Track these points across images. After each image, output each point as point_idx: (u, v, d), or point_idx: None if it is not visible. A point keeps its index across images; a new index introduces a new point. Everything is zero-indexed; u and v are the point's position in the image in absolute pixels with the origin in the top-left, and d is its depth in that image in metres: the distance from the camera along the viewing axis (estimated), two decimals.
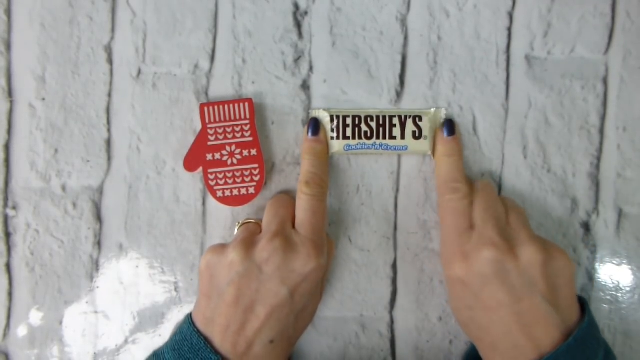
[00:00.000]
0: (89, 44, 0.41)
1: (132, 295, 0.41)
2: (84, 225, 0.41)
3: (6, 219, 0.41)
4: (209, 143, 0.39)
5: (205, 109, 0.39)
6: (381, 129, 0.40)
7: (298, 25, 0.41)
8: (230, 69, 0.41)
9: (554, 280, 0.34)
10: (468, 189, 0.38)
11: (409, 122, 0.40)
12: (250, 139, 0.39)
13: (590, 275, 0.42)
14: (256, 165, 0.39)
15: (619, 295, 0.42)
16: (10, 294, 0.41)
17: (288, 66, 0.41)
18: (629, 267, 0.42)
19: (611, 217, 0.42)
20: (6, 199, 0.41)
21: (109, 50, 0.41)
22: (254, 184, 0.39)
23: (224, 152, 0.39)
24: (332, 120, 0.40)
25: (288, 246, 0.35)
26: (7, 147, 0.41)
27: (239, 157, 0.39)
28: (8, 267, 0.41)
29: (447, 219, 0.37)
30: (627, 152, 0.42)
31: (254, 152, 0.39)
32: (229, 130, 0.39)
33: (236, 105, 0.39)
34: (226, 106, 0.39)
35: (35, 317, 0.41)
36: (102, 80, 0.41)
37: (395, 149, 0.40)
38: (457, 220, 0.37)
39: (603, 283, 0.42)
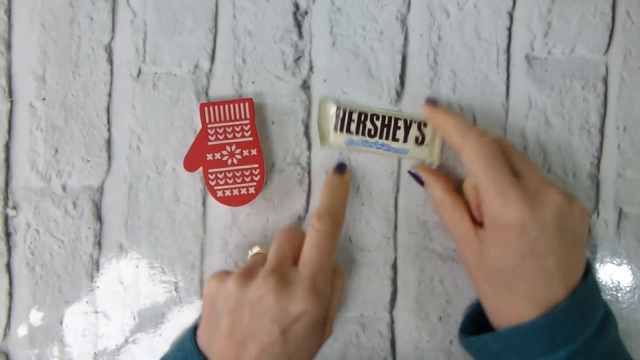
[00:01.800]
0: (89, 44, 0.41)
1: (132, 295, 0.41)
2: (84, 225, 0.41)
3: (6, 219, 0.41)
4: (209, 143, 0.39)
5: (205, 108, 0.39)
6: (385, 129, 0.40)
7: (298, 25, 0.41)
8: (230, 69, 0.41)
9: (587, 238, 0.37)
10: None
11: (414, 127, 0.40)
12: (250, 139, 0.39)
13: None
14: (256, 165, 0.39)
15: (619, 295, 0.42)
16: (10, 294, 0.41)
17: (288, 66, 0.41)
18: (629, 267, 0.42)
19: (611, 217, 0.42)
20: (6, 199, 0.41)
21: (109, 50, 0.41)
22: (254, 184, 0.39)
23: (224, 152, 0.39)
24: (337, 114, 0.40)
25: (282, 285, 0.34)
26: (7, 147, 0.41)
27: (239, 157, 0.39)
28: (8, 267, 0.41)
29: (487, 161, 0.35)
30: (627, 151, 0.42)
31: (254, 152, 0.39)
32: (229, 130, 0.39)
33: (236, 105, 0.39)
34: (226, 106, 0.39)
35: (35, 317, 0.41)
36: (102, 80, 0.41)
37: (396, 151, 0.40)
38: (500, 161, 0.35)
39: (603, 283, 0.42)
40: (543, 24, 0.41)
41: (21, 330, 0.41)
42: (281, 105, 0.41)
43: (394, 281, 0.42)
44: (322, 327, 0.36)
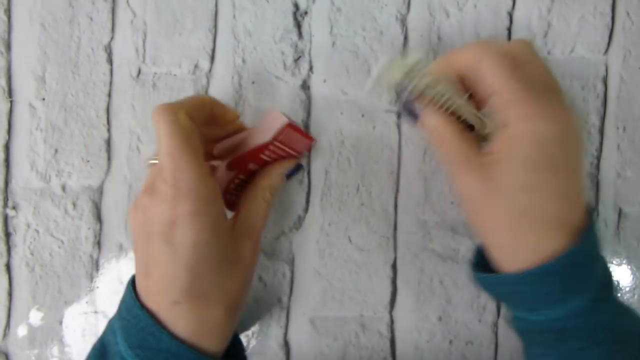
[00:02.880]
0: (89, 44, 0.41)
1: None
2: (84, 225, 0.41)
3: (6, 219, 0.41)
4: (262, 156, 0.37)
5: (287, 129, 0.36)
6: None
7: (298, 25, 0.41)
8: (230, 69, 0.41)
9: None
10: None
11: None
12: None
13: None
14: None
15: (619, 295, 0.42)
16: (10, 294, 0.41)
17: (288, 66, 0.41)
18: (629, 267, 0.42)
19: (611, 217, 0.42)
20: (6, 199, 0.41)
21: (109, 50, 0.41)
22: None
23: (251, 166, 0.38)
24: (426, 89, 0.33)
25: (150, 197, 0.31)
26: (7, 147, 0.41)
27: (253, 169, 0.38)
28: (8, 267, 0.41)
29: (510, 73, 0.31)
30: (627, 152, 0.42)
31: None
32: (283, 154, 0.38)
33: (304, 138, 0.39)
34: (298, 134, 0.38)
35: (35, 317, 0.41)
36: (102, 80, 0.41)
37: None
38: (524, 75, 0.32)
39: None
40: (543, 24, 0.41)
41: (21, 330, 0.41)
42: (281, 105, 0.41)
43: (394, 281, 0.42)
44: (214, 222, 0.32)
